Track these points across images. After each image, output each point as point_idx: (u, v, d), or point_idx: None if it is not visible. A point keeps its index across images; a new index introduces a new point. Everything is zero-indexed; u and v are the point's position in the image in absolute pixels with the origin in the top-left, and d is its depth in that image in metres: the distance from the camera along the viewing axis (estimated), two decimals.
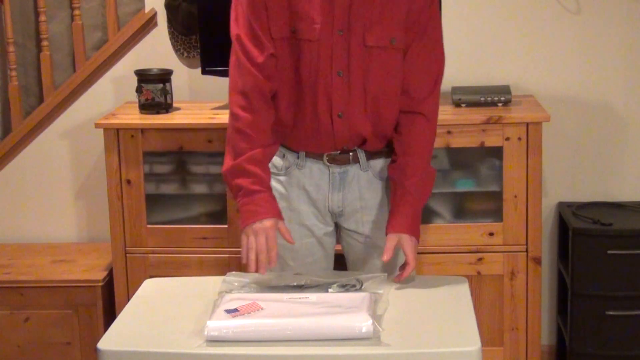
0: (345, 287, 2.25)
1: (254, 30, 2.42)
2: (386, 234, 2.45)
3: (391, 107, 2.49)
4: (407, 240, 2.44)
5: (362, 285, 2.26)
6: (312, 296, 2.17)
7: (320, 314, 2.06)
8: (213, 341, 1.99)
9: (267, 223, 2.40)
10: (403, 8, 2.42)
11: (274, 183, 2.55)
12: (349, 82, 2.43)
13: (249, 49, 2.43)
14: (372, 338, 2.00)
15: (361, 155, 2.53)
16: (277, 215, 2.43)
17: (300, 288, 2.28)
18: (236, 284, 2.30)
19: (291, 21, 2.41)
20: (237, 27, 2.45)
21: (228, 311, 2.07)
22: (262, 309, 2.08)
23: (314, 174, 2.54)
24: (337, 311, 2.07)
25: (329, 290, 2.25)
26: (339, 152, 2.52)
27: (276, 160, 2.56)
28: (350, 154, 2.53)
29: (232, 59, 2.47)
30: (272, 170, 2.54)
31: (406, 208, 2.47)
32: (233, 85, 2.46)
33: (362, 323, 2.01)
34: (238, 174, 2.43)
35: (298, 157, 2.54)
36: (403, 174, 2.49)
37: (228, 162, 2.46)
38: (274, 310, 2.08)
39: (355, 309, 2.07)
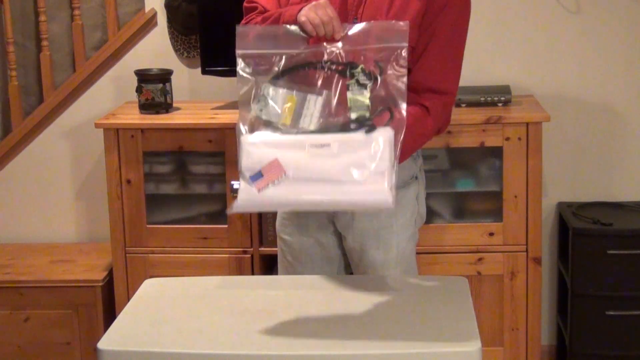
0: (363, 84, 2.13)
1: None
2: None
3: None
4: None
5: (381, 72, 2.14)
6: (333, 144, 2.08)
7: (343, 183, 2.04)
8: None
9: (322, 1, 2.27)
10: (419, 7, 2.39)
11: None
12: None
13: None
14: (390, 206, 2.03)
15: None
16: None
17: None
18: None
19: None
20: None
21: (253, 178, 2.06)
22: (285, 173, 2.05)
23: None
24: (359, 177, 2.04)
25: (349, 80, 2.13)
26: None
27: None
28: None
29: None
30: None
31: None
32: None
33: (382, 197, 2.02)
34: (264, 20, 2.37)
35: None
36: None
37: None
38: (297, 175, 2.05)
39: (377, 174, 2.04)
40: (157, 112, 3.49)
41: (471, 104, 3.43)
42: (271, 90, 2.16)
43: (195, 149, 3.40)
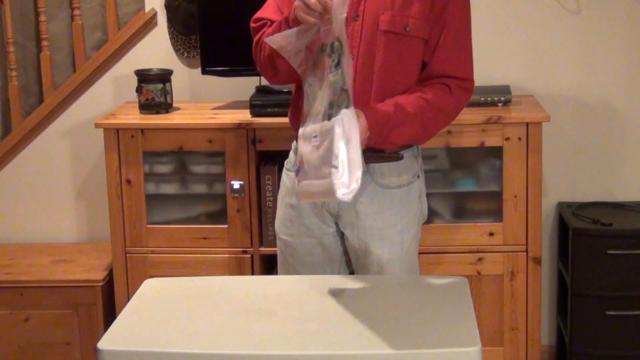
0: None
1: (277, 7, 2.51)
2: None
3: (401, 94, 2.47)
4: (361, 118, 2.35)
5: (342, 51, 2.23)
6: (319, 135, 2.24)
7: (324, 176, 2.20)
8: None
9: None
10: (422, 4, 2.42)
11: (284, 177, 2.62)
12: (356, 66, 2.43)
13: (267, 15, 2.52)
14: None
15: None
16: None
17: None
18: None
19: None
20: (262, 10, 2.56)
21: (296, 173, 2.35)
22: (305, 169, 2.28)
23: None
24: (327, 171, 2.19)
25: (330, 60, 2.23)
26: None
27: (290, 155, 2.61)
28: None
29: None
30: (287, 165, 2.61)
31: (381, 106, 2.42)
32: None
33: (340, 191, 2.15)
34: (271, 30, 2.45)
35: None
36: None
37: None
38: (308, 169, 2.27)
39: (334, 167, 2.17)
40: (157, 112, 3.49)
41: (471, 104, 3.43)
42: (306, 83, 2.34)
43: (195, 149, 3.40)
